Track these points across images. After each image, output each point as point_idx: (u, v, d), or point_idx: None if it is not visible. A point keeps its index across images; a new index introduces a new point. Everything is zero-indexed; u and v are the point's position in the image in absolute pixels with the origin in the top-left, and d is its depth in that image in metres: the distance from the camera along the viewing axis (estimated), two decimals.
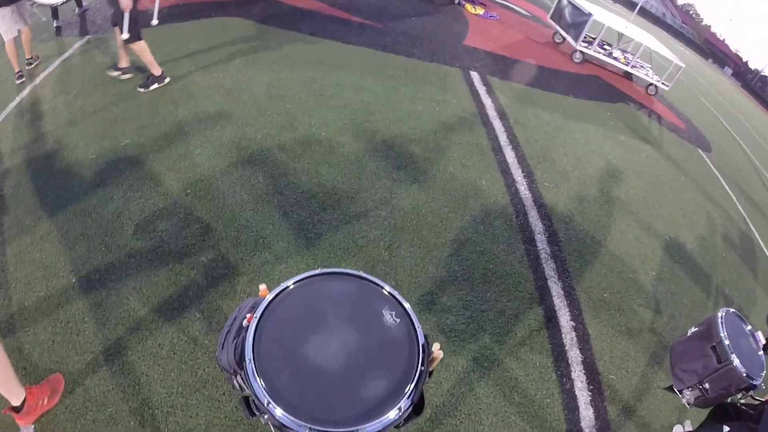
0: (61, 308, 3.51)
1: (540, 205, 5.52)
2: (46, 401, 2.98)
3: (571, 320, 4.30)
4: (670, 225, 6.37)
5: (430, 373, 1.70)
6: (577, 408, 3.65)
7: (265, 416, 1.54)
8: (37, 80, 6.27)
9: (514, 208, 5.35)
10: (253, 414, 1.64)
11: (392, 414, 1.46)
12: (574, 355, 4.03)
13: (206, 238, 4.19)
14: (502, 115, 7.29)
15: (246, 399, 1.68)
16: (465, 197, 5.24)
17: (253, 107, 6.01)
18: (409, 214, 4.81)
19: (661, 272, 5.39)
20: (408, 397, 1.50)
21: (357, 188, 4.96)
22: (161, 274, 3.83)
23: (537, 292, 4.43)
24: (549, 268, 4.72)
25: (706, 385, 2.81)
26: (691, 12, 53.04)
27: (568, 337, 4.15)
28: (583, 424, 3.55)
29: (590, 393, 3.78)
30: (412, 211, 4.86)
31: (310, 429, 1.40)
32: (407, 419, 1.58)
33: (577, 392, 3.76)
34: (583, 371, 3.93)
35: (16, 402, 2.81)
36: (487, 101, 7.62)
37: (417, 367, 1.58)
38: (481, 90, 7.99)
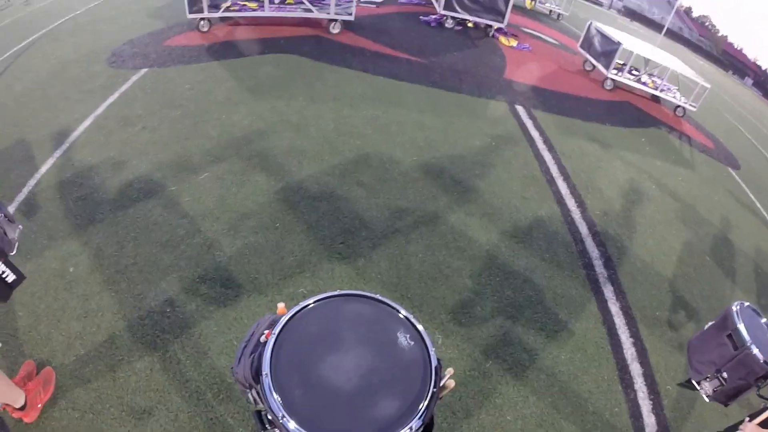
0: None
1: (594, 233, 6.03)
2: (42, 393, 3.23)
3: (630, 337, 4.76)
4: (709, 244, 6.84)
5: (440, 397, 1.70)
6: (641, 416, 4.07)
7: (276, 431, 1.56)
8: (98, 111, 6.53)
9: (572, 237, 5.87)
10: (264, 428, 1.70)
11: None
12: (635, 368, 4.46)
13: (303, 269, 4.53)
14: (550, 148, 7.82)
15: (258, 413, 1.74)
16: (529, 228, 5.76)
17: (324, 143, 6.44)
18: (484, 245, 5.32)
19: (702, 290, 5.83)
20: (419, 418, 1.50)
21: (436, 221, 5.47)
22: (253, 303, 4.15)
23: (600, 313, 4.92)
24: (608, 291, 5.22)
25: (724, 375, 2.83)
26: (707, 24, 52.87)
27: (629, 352, 4.59)
28: (647, 430, 3.98)
29: (651, 402, 4.20)
30: (487, 243, 5.37)
31: None
32: None
33: (640, 402, 4.18)
34: (644, 383, 4.36)
35: (19, 404, 3.03)
36: (534, 134, 8.16)
37: (429, 388, 1.59)
38: (528, 123, 8.52)
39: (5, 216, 2.74)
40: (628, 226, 6.45)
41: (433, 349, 1.69)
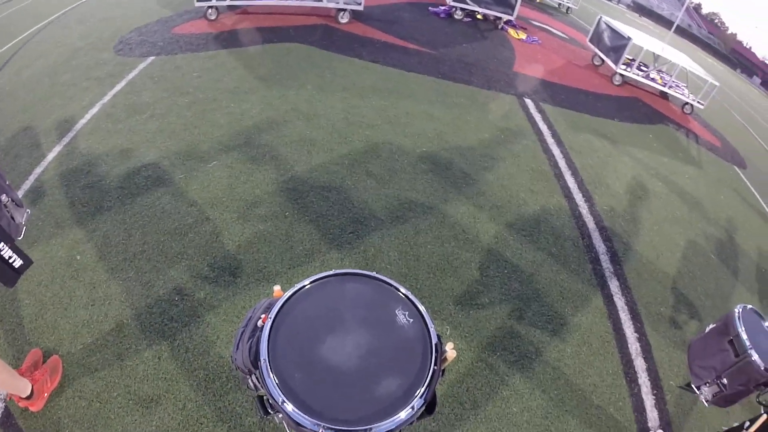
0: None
1: (601, 228, 6.06)
2: (48, 382, 3.23)
3: (635, 332, 4.80)
4: (714, 243, 6.87)
5: (443, 372, 1.70)
6: (644, 410, 4.12)
7: (279, 415, 1.56)
8: (105, 99, 6.55)
9: (580, 231, 5.90)
10: (267, 413, 1.67)
11: (404, 413, 1.48)
12: (639, 363, 4.51)
13: (312, 259, 4.54)
14: (559, 142, 7.84)
15: (261, 398, 1.71)
16: (537, 222, 5.79)
17: (334, 133, 6.46)
18: (492, 237, 5.35)
19: (707, 288, 5.86)
20: (421, 397, 1.51)
21: (444, 213, 5.50)
22: (262, 293, 4.17)
23: (605, 307, 4.95)
24: (614, 286, 5.26)
25: (724, 381, 2.82)
26: (716, 21, 52.65)
27: (634, 347, 4.64)
28: (650, 423, 4.03)
29: (654, 397, 4.25)
30: (495, 235, 5.41)
31: (324, 427, 1.41)
32: (419, 417, 1.59)
33: (644, 396, 4.23)
34: (648, 378, 4.40)
35: (26, 393, 3.03)
36: (543, 128, 8.17)
37: (430, 366, 1.59)
38: (537, 117, 8.53)
39: (13, 200, 2.69)
40: (635, 223, 6.48)
41: (433, 325, 1.68)
